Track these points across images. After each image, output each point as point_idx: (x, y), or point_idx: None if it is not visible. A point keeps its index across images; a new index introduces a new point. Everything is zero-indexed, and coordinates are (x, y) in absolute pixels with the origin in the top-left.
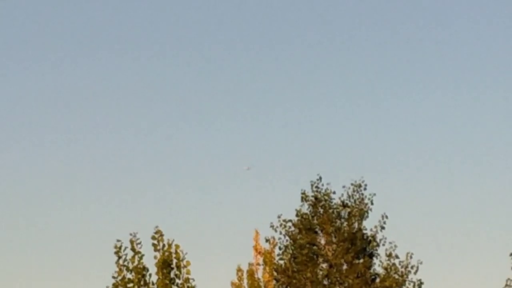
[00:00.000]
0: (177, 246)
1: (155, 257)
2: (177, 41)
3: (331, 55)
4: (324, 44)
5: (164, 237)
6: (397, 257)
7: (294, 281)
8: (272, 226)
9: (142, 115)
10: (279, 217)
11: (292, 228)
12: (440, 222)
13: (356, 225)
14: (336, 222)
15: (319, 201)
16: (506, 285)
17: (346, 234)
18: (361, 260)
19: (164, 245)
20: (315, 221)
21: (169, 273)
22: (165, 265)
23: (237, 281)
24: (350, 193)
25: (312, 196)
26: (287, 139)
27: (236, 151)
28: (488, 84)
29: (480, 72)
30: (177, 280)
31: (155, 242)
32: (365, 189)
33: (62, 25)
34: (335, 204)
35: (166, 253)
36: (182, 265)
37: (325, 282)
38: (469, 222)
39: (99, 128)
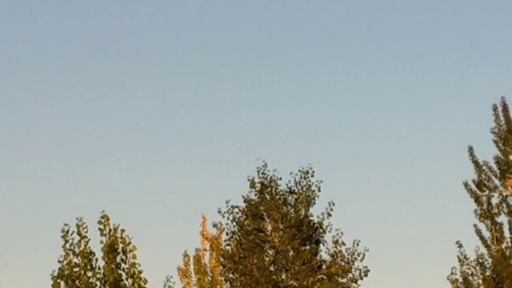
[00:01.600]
0: (123, 231)
1: (101, 242)
2: None
3: (277, 41)
4: (267, 26)
5: (110, 222)
6: (343, 244)
7: (241, 267)
8: (219, 212)
9: (89, 100)
10: (226, 203)
11: (239, 214)
12: (387, 209)
13: (303, 211)
14: (282, 209)
15: (266, 188)
16: (452, 273)
17: (292, 221)
18: (308, 247)
19: (110, 230)
20: (262, 208)
21: (115, 257)
22: (111, 249)
23: (183, 266)
24: (297, 180)
25: (259, 183)
26: (234, 125)
27: (182, 137)
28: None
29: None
30: (123, 265)
31: (101, 226)
32: (312, 176)
33: None
34: (282, 190)
35: (112, 238)
36: (128, 250)
37: (271, 268)
38: (415, 209)
39: (45, 110)
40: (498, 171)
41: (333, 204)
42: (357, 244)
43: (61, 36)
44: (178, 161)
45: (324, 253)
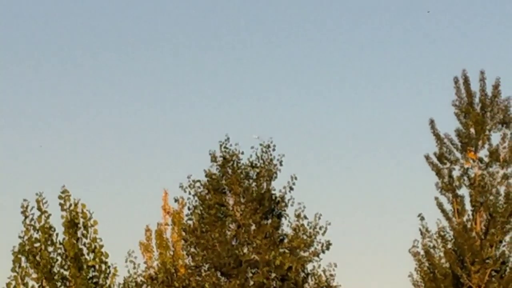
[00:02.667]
0: (83, 206)
1: (62, 217)
2: None
3: (236, 15)
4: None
5: (71, 197)
6: (305, 218)
7: (202, 241)
8: (181, 187)
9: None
10: (188, 177)
11: (201, 189)
12: (349, 183)
13: (264, 185)
14: (244, 183)
15: (227, 162)
16: (413, 246)
17: (254, 195)
18: (269, 221)
19: (70, 205)
20: (224, 182)
21: (76, 232)
22: (72, 224)
23: (145, 241)
24: (259, 154)
25: (221, 157)
26: (196, 99)
27: (143, 112)
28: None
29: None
30: (84, 240)
31: (62, 201)
32: (274, 150)
33: None
34: (243, 164)
35: (73, 213)
36: (89, 225)
37: (233, 243)
38: (378, 182)
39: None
40: (459, 144)
41: (295, 178)
42: (319, 218)
43: None
44: (140, 136)
45: (286, 227)
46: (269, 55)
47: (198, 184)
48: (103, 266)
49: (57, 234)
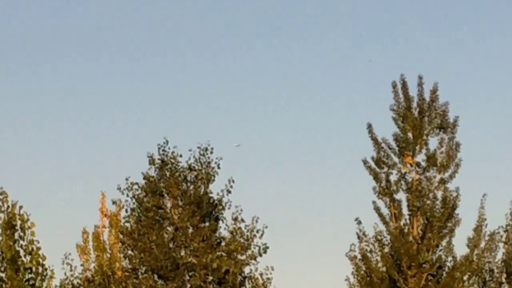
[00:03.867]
0: (21, 207)
1: None
2: None
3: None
4: None
5: (8, 198)
6: (242, 221)
7: (140, 244)
8: (119, 189)
9: None
10: (126, 179)
11: (139, 191)
12: (286, 186)
13: (202, 188)
14: (182, 186)
15: (165, 164)
16: (350, 250)
17: (192, 198)
18: (207, 224)
19: (8, 206)
20: (162, 184)
21: (13, 234)
22: (9, 226)
23: (82, 243)
24: (197, 157)
25: (159, 159)
26: (135, 101)
27: (82, 113)
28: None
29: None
30: (21, 242)
31: (0, 203)
32: (211, 152)
33: None
34: (181, 167)
35: (10, 215)
36: (26, 227)
37: (171, 245)
38: (315, 186)
39: None
40: (396, 148)
41: (233, 181)
42: (256, 221)
43: None
44: (77, 138)
45: (223, 230)
46: (205, 60)
47: (136, 186)
48: (40, 268)
49: None
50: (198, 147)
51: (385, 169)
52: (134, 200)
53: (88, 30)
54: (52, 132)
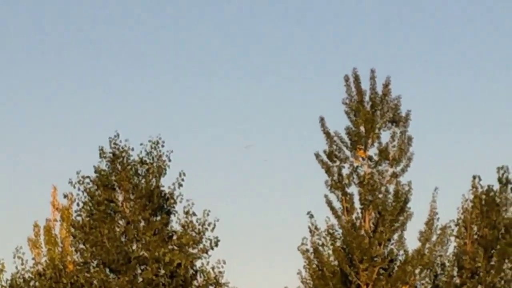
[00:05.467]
0: None
1: None
2: None
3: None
4: None
5: None
6: (194, 214)
7: (91, 237)
8: (70, 182)
9: None
10: (77, 173)
11: (90, 185)
12: (238, 179)
13: (154, 182)
14: (134, 179)
15: (117, 158)
16: (302, 243)
17: (143, 191)
18: (159, 217)
19: None
20: (113, 178)
21: None
22: None
23: (33, 237)
24: (148, 150)
25: (110, 153)
26: (86, 94)
27: (31, 107)
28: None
29: None
30: None
31: None
32: (162, 146)
33: None
34: (133, 161)
35: None
36: None
37: (123, 239)
38: (267, 179)
39: None
40: (349, 142)
41: (184, 174)
42: (208, 214)
43: None
44: (29, 130)
45: (175, 224)
46: (157, 51)
47: (87, 180)
48: None
49: None
50: (149, 141)
51: (337, 162)
52: (85, 194)
53: (34, 22)
54: (1, 124)
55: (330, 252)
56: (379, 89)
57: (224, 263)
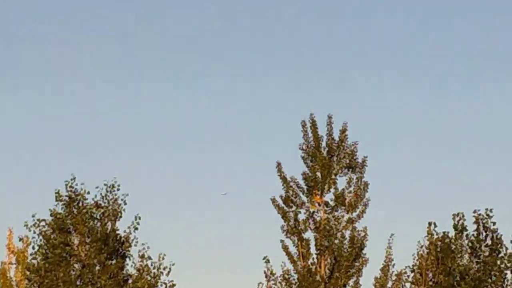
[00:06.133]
0: None
1: None
2: None
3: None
4: None
5: None
6: (149, 258)
7: (47, 281)
8: (25, 225)
9: None
10: (33, 216)
11: (46, 228)
12: (194, 222)
13: (109, 225)
14: (89, 223)
15: (73, 201)
16: None
17: (99, 235)
18: (114, 261)
19: None
20: (69, 221)
21: None
22: None
23: None
24: (103, 194)
25: (66, 196)
26: (42, 137)
27: None
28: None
29: None
30: None
31: None
32: (118, 189)
33: None
34: (88, 204)
35: None
36: None
37: (78, 283)
38: (224, 223)
39: None
40: (305, 187)
41: (139, 217)
42: (163, 258)
43: None
44: None
45: (130, 267)
46: (111, 88)
47: (43, 223)
48: None
49: None
50: (105, 184)
51: (294, 208)
52: (41, 237)
53: None
54: None
55: None
56: (336, 135)
57: None
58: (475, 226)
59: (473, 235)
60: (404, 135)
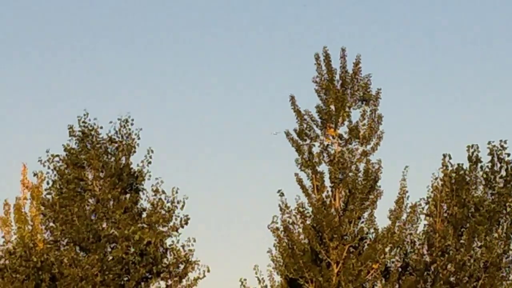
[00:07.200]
0: None
1: None
2: None
3: None
4: None
5: None
6: (163, 192)
7: (61, 216)
8: (40, 161)
9: None
10: (47, 152)
11: (60, 163)
12: (206, 157)
13: (123, 160)
14: (103, 158)
15: (86, 136)
16: (273, 222)
17: (113, 170)
18: (128, 196)
19: None
20: (83, 157)
21: None
22: None
23: (3, 215)
24: (117, 128)
25: (80, 131)
26: (55, 73)
27: (2, 89)
28: None
29: None
30: None
31: None
32: (132, 124)
33: None
34: (102, 139)
35: None
36: None
37: (92, 217)
38: (238, 157)
39: None
40: (319, 121)
41: (152, 151)
42: (177, 192)
43: None
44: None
45: (144, 202)
46: (124, 27)
47: (57, 158)
48: None
49: None
50: (119, 119)
51: (308, 141)
52: (55, 172)
53: None
54: None
55: (300, 230)
56: (350, 68)
57: (194, 241)
58: (489, 158)
59: (487, 166)
60: (418, 66)
